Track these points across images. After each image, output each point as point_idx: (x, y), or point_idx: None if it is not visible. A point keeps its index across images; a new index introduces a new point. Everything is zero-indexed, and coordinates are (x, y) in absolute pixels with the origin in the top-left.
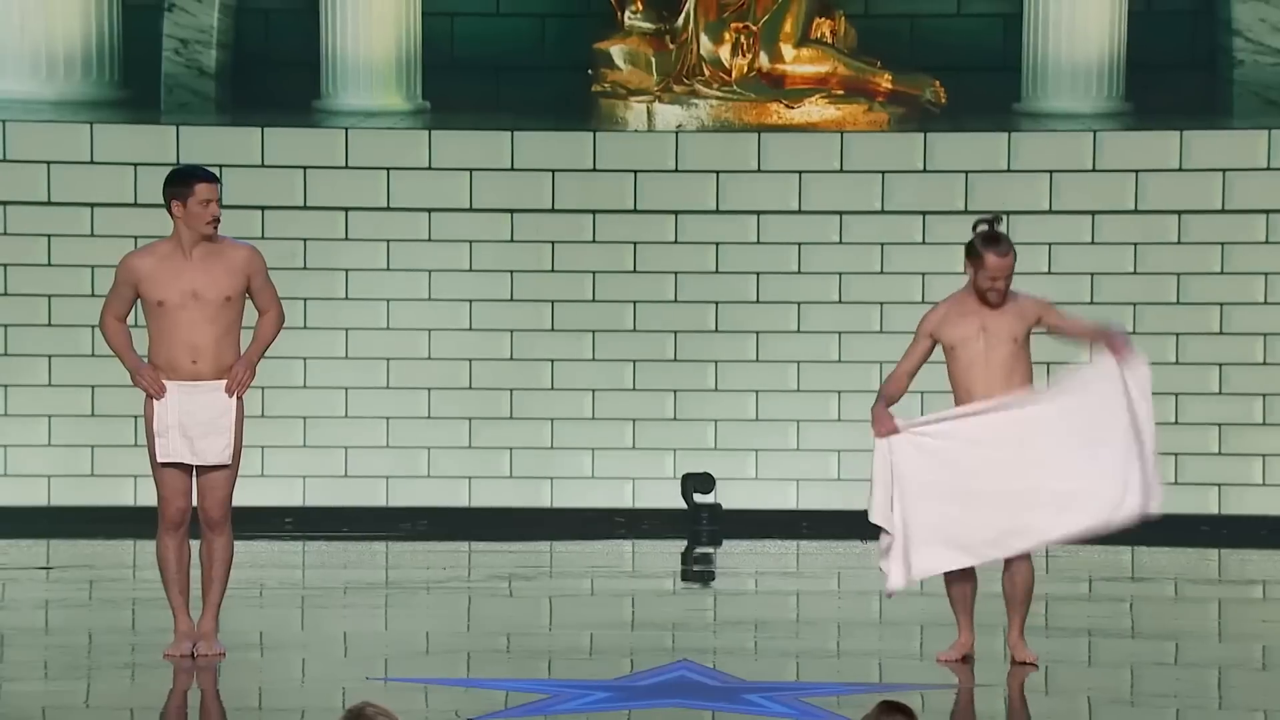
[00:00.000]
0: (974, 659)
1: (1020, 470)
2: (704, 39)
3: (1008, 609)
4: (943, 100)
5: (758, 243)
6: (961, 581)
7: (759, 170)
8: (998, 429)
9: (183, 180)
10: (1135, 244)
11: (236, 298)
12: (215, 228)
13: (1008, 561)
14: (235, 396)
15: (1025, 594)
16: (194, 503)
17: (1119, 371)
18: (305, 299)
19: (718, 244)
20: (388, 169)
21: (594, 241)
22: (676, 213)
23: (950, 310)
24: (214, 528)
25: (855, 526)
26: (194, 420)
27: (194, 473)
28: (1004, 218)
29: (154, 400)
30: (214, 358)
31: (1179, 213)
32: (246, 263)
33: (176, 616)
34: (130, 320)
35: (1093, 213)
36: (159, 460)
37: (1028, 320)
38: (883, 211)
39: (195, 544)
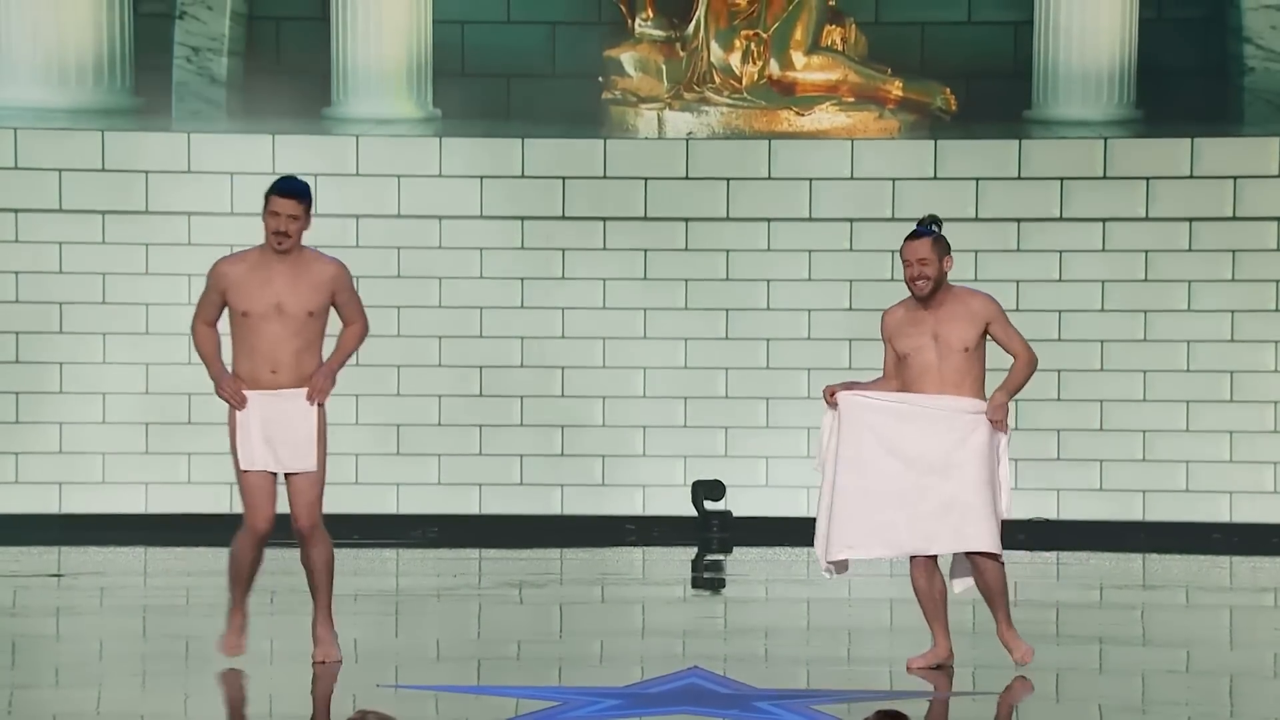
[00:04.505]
0: (950, 669)
1: (922, 466)
2: (714, 46)
3: (989, 607)
4: (953, 107)
5: (768, 249)
6: (921, 576)
7: (769, 177)
8: (928, 418)
9: (268, 190)
10: (1146, 251)
11: (320, 312)
12: (281, 243)
13: (973, 563)
14: (316, 404)
15: (999, 589)
16: (271, 512)
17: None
18: None
19: (728, 251)
20: (398, 176)
21: (604, 249)
22: (687, 220)
23: (904, 318)
24: (306, 536)
25: None
26: (276, 427)
27: (278, 482)
28: (938, 219)
29: (236, 411)
30: (294, 369)
31: (1190, 220)
32: (333, 279)
33: (233, 608)
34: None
35: (1103, 220)
36: (242, 468)
37: (978, 326)
38: (893, 219)
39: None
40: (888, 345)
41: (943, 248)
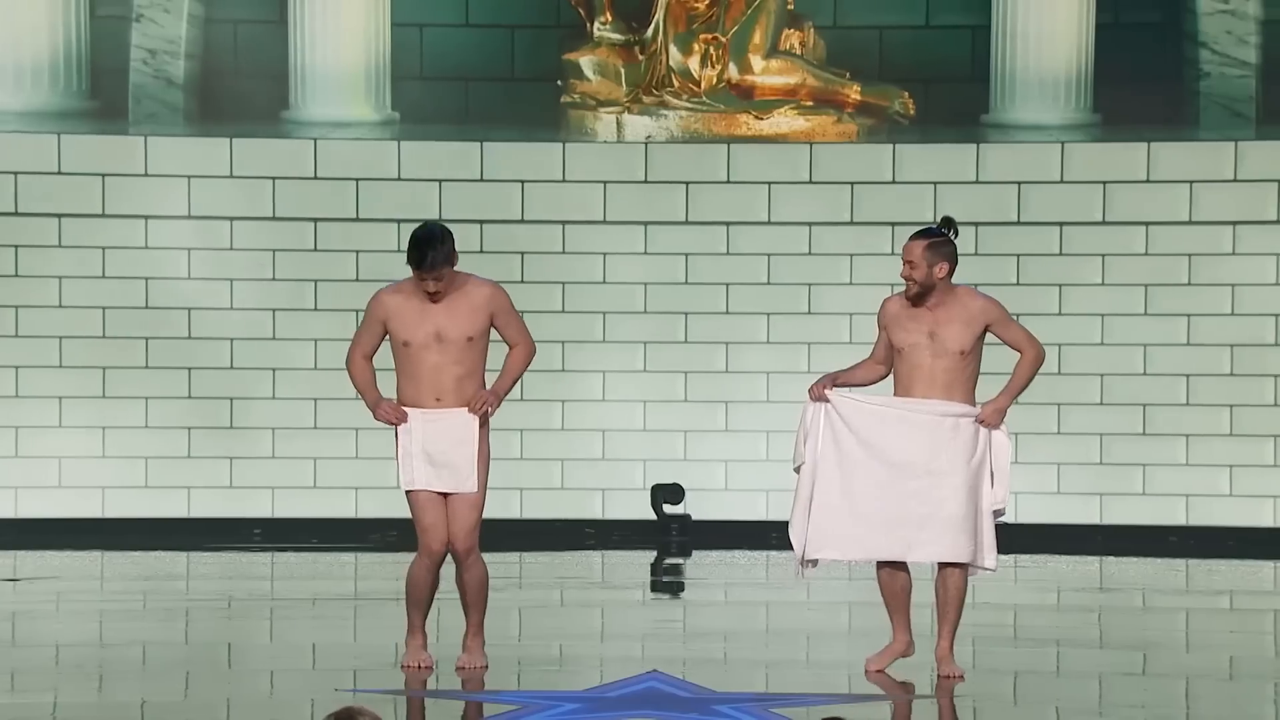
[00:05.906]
0: (910, 686)
1: (906, 473)
2: (673, 50)
3: (938, 617)
4: (911, 112)
5: (727, 254)
6: (888, 573)
7: (728, 181)
8: (912, 423)
9: (408, 257)
10: (1103, 255)
11: (479, 336)
12: (435, 300)
13: (940, 566)
14: (480, 426)
15: (956, 601)
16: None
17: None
18: (273, 310)
19: (687, 255)
20: (356, 180)
21: (563, 252)
22: (646, 224)
23: (903, 311)
24: (462, 560)
25: None
26: (438, 448)
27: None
28: (953, 222)
29: (399, 430)
30: (457, 395)
31: (1146, 224)
32: (488, 301)
33: (411, 632)
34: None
35: (1060, 224)
36: (404, 487)
37: (975, 329)
38: (852, 223)
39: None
40: (882, 331)
41: (937, 254)
